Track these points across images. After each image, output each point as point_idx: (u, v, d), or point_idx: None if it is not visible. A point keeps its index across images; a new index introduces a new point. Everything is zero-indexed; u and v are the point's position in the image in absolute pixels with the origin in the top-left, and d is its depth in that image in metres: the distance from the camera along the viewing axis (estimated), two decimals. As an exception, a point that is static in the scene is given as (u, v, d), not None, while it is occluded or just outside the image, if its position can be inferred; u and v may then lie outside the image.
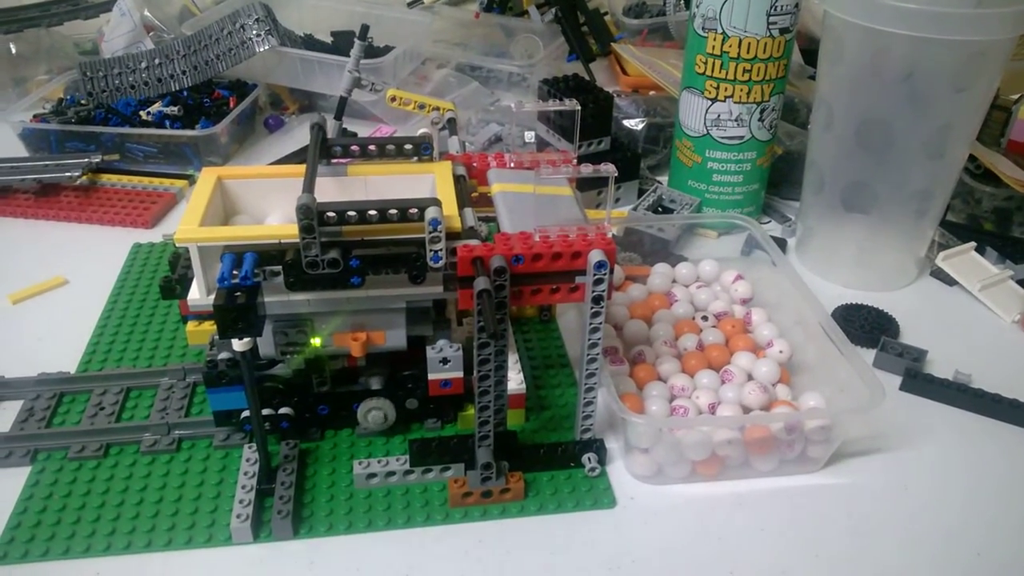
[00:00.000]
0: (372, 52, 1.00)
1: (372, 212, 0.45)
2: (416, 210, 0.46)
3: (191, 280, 0.60)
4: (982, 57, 0.60)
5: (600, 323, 0.49)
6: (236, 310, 0.44)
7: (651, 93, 1.02)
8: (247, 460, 0.50)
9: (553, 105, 0.56)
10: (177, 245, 0.48)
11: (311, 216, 0.44)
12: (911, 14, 0.58)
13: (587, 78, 0.84)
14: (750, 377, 0.58)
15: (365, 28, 0.77)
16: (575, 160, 0.57)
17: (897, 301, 0.70)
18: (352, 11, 1.09)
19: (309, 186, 0.46)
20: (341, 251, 0.46)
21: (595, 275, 0.47)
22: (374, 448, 0.54)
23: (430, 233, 0.45)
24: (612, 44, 1.08)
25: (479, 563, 0.47)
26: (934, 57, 0.60)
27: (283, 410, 0.52)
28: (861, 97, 0.64)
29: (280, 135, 0.97)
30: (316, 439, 0.54)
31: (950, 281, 0.73)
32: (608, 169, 0.47)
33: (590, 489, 0.51)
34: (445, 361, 0.52)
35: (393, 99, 0.74)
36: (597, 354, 0.50)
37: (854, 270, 0.72)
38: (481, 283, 0.44)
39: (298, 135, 0.97)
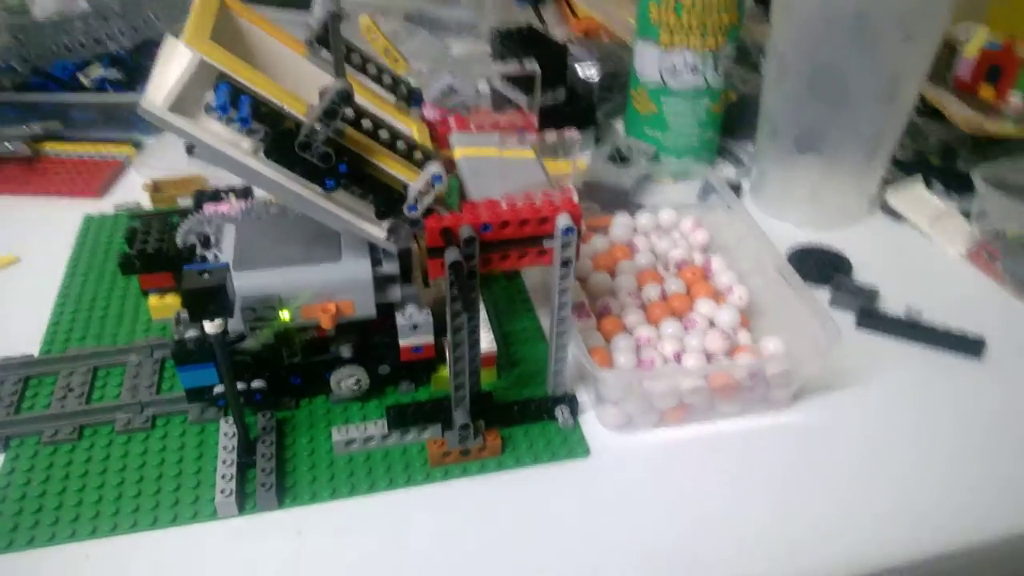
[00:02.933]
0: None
1: (384, 133, 0.45)
2: (421, 156, 0.46)
3: (153, 253, 0.59)
4: (930, 2, 0.61)
5: (568, 285, 0.49)
6: (206, 292, 0.44)
7: (603, 37, 1.02)
8: (225, 434, 0.51)
9: (514, 70, 0.55)
10: (185, 45, 0.42)
11: (344, 104, 0.42)
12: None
13: (540, 28, 0.83)
14: (712, 324, 0.60)
15: None
16: (535, 121, 0.57)
17: (849, 239, 0.72)
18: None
19: (342, 71, 0.45)
20: (336, 150, 0.44)
21: (563, 240, 0.47)
22: (350, 414, 0.54)
23: (426, 184, 0.45)
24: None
25: (463, 519, 0.48)
26: (883, 3, 0.61)
27: (256, 383, 0.53)
28: (813, 46, 0.65)
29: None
30: (291, 408, 0.55)
31: (898, 217, 0.75)
32: (572, 136, 0.47)
33: (564, 441, 0.53)
34: (415, 327, 0.53)
35: (368, 30, 0.71)
36: (566, 314, 0.51)
37: (807, 210, 0.74)
38: (452, 254, 0.44)
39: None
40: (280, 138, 0.43)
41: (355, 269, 0.51)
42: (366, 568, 0.45)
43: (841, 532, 0.48)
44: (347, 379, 0.54)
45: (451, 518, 0.48)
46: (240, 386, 0.52)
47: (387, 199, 0.46)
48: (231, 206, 0.62)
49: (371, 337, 0.54)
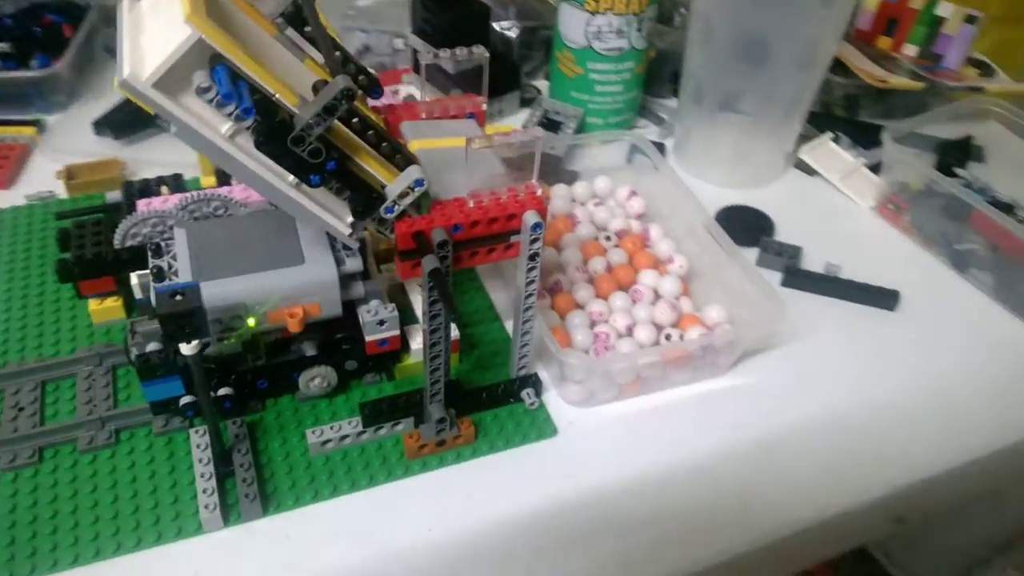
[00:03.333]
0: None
1: (372, 133, 0.44)
2: (403, 159, 0.45)
3: (93, 258, 0.56)
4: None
5: (536, 276, 0.51)
6: (183, 315, 0.43)
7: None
8: (197, 446, 0.50)
9: (463, 56, 0.54)
10: (185, 21, 0.38)
11: (347, 101, 0.41)
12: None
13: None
14: (657, 294, 0.63)
15: None
16: (484, 106, 0.57)
17: (768, 197, 0.76)
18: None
19: (335, 64, 0.43)
20: (325, 146, 0.43)
21: (531, 235, 0.48)
22: (319, 412, 0.55)
23: (407, 188, 0.45)
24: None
25: (445, 508, 0.50)
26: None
27: (223, 391, 0.52)
28: (740, 13, 0.67)
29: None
30: (258, 411, 0.54)
31: (811, 172, 0.80)
32: (535, 133, 0.47)
33: (532, 422, 0.55)
34: (382, 322, 0.53)
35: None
36: (532, 303, 0.52)
37: (730, 169, 0.78)
38: (431, 262, 0.45)
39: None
40: (273, 130, 0.41)
41: (320, 271, 0.50)
42: (360, 567, 0.47)
43: (795, 479, 0.53)
44: (315, 379, 0.54)
45: (435, 508, 0.50)
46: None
47: (367, 199, 0.45)
48: (165, 200, 0.60)
49: (334, 334, 0.54)
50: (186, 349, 0.44)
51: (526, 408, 0.56)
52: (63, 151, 0.73)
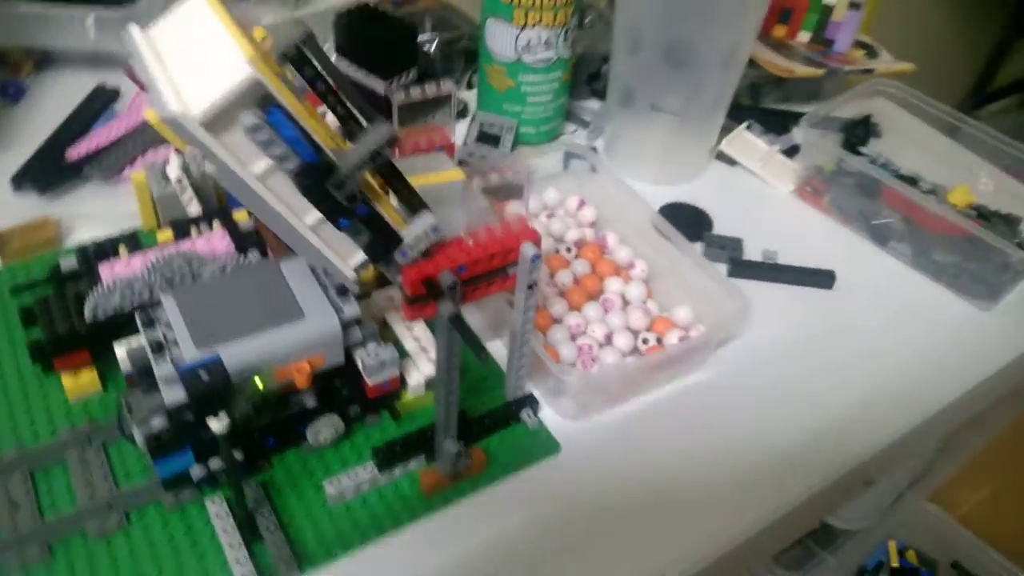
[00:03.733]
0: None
1: (396, 180, 0.45)
2: (418, 202, 0.46)
3: (67, 335, 0.54)
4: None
5: (534, 303, 0.53)
6: (212, 392, 0.42)
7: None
8: (217, 516, 0.50)
9: (431, 92, 0.54)
10: (248, 62, 0.38)
11: (388, 147, 0.41)
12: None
13: (379, 5, 0.81)
14: (625, 299, 0.66)
15: None
16: (453, 139, 0.58)
17: (698, 191, 0.81)
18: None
19: (374, 113, 0.43)
20: (361, 194, 0.44)
21: (531, 267, 0.50)
22: (327, 460, 0.55)
23: (423, 234, 0.46)
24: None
25: (475, 536, 0.52)
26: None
27: (234, 455, 0.51)
28: (667, 22, 0.71)
29: (30, 103, 0.83)
30: (266, 470, 0.54)
31: (731, 162, 0.85)
32: (524, 164, 0.49)
33: (535, 441, 0.57)
34: (383, 364, 0.54)
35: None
36: (530, 329, 0.54)
37: (659, 167, 0.82)
38: (448, 308, 0.46)
39: (56, 98, 0.82)
40: (316, 172, 0.41)
41: (323, 323, 0.50)
42: (407, 611, 0.48)
43: (781, 460, 0.58)
44: (324, 429, 0.54)
45: (465, 539, 0.52)
46: (216, 464, 0.51)
47: (386, 243, 0.46)
48: (128, 263, 0.58)
49: (332, 381, 0.54)
50: (216, 425, 0.43)
51: (527, 428, 0.58)
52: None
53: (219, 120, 0.39)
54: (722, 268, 0.73)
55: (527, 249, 0.50)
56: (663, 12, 0.70)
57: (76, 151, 0.75)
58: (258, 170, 0.41)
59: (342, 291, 0.52)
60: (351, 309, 0.52)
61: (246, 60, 0.38)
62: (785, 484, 0.57)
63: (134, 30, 0.43)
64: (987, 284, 0.72)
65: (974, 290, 0.73)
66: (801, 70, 0.86)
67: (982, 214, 0.78)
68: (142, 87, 0.44)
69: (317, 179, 0.41)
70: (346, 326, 0.52)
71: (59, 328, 0.54)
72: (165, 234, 0.61)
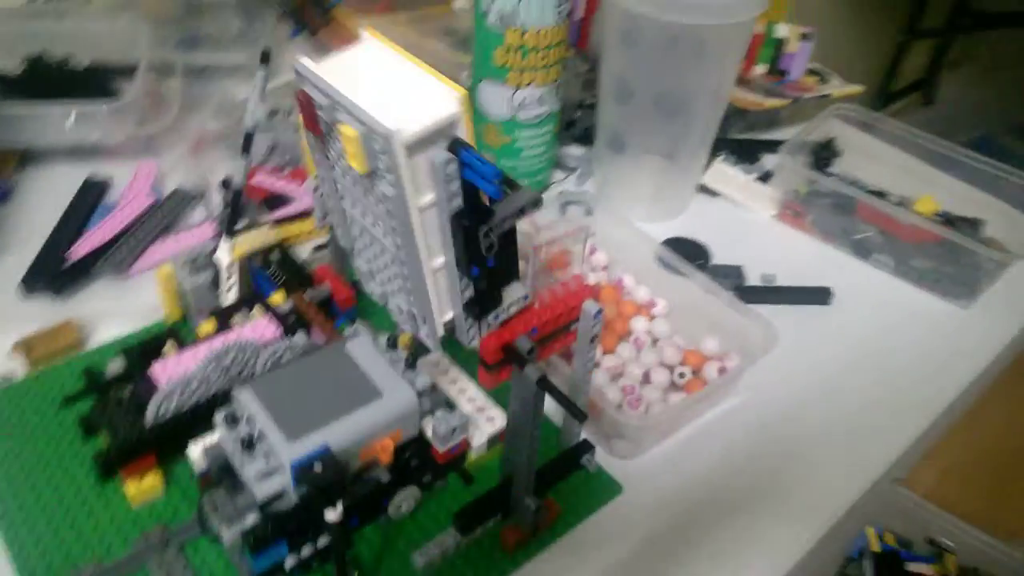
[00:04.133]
0: (84, 83, 0.86)
1: (512, 246, 0.48)
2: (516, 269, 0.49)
3: (132, 442, 0.53)
4: (737, 30, 0.74)
5: (594, 355, 0.55)
6: (330, 485, 0.43)
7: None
8: (318, 601, 0.50)
9: None
10: (458, 99, 0.43)
11: (533, 208, 0.45)
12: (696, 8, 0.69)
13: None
14: (653, 337, 0.69)
15: (266, 53, 0.65)
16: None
17: (689, 225, 0.85)
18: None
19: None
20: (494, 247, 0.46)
21: (593, 322, 0.53)
22: (406, 530, 0.56)
23: (517, 300, 0.49)
24: (332, 11, 1.04)
25: (563, 586, 0.54)
26: (716, 31, 0.72)
27: (321, 540, 0.52)
28: (659, 72, 0.75)
29: (18, 202, 0.81)
30: (350, 549, 0.54)
31: (713, 193, 0.89)
32: (581, 223, 0.52)
33: (598, 484, 0.60)
34: (454, 430, 0.55)
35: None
36: (590, 379, 0.57)
37: (649, 206, 0.86)
38: (534, 372, 0.48)
39: (44, 195, 0.81)
40: (477, 216, 0.44)
41: (402, 399, 0.52)
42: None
43: (820, 471, 0.62)
44: (405, 502, 0.55)
45: (556, 591, 0.54)
46: (308, 550, 0.51)
47: (486, 303, 0.48)
48: (179, 361, 0.58)
49: (402, 452, 0.55)
50: (332, 515, 0.44)
51: (588, 473, 0.60)
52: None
53: (416, 146, 0.42)
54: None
55: (590, 306, 0.52)
56: (654, 65, 0.74)
57: (79, 249, 0.74)
58: (423, 202, 0.44)
59: (409, 364, 0.54)
60: (422, 381, 0.53)
61: (457, 99, 0.42)
62: (833, 487, 0.61)
63: (306, 61, 0.46)
64: (964, 284, 0.78)
65: (954, 291, 0.79)
66: (769, 101, 0.92)
67: (948, 220, 0.85)
68: (311, 112, 0.47)
69: (475, 223, 0.44)
70: (420, 396, 0.53)
71: (124, 435, 0.53)
72: (207, 326, 0.61)
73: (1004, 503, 1.25)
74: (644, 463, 0.62)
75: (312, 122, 0.47)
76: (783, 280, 0.78)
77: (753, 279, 0.79)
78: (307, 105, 0.47)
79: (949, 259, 0.79)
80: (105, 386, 0.58)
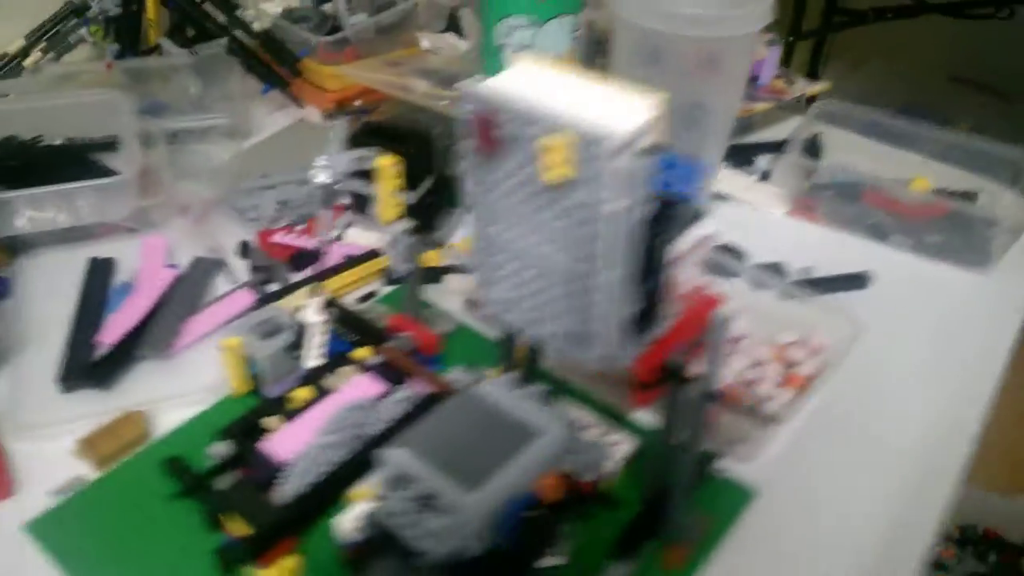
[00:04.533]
0: (68, 161, 0.79)
1: None
2: None
3: (270, 527, 0.49)
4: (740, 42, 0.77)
5: (722, 362, 0.55)
6: (545, 528, 0.41)
7: (357, 102, 1.01)
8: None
9: None
10: (656, 107, 0.43)
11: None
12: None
13: (401, 120, 0.81)
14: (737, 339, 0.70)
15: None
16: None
17: (713, 230, 0.86)
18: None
19: None
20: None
21: (722, 330, 0.52)
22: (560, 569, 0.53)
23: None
24: (299, 63, 1.01)
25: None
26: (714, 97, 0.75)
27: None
28: (685, 90, 0.76)
29: (23, 295, 0.73)
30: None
31: (723, 197, 0.91)
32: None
33: (731, 491, 0.59)
34: (596, 460, 0.53)
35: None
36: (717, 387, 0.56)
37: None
38: (698, 387, 0.48)
39: (47, 283, 0.74)
40: (673, 214, 0.44)
41: (557, 433, 0.50)
42: None
43: (917, 451, 0.63)
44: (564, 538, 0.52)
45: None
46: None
47: (654, 316, 0.48)
48: (295, 435, 0.54)
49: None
50: (555, 560, 0.42)
51: (717, 481, 0.60)
52: (38, 427, 0.60)
53: (622, 149, 0.41)
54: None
55: (718, 315, 0.52)
56: (674, 80, 0.76)
57: (108, 334, 0.68)
58: (617, 207, 0.42)
59: (543, 399, 0.52)
60: (563, 413, 0.52)
61: (655, 106, 0.42)
62: (935, 464, 0.63)
63: (474, 84, 0.45)
64: (979, 252, 0.83)
65: (970, 259, 0.83)
66: (758, 106, 0.95)
67: (946, 196, 0.90)
68: (487, 131, 0.46)
69: (669, 222, 0.43)
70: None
71: (261, 520, 0.49)
72: (303, 392, 0.57)
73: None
74: (764, 462, 0.62)
75: (487, 140, 0.45)
76: (821, 272, 0.81)
77: (795, 274, 0.80)
78: (483, 124, 0.45)
79: (959, 231, 0.84)
80: (209, 474, 0.53)
